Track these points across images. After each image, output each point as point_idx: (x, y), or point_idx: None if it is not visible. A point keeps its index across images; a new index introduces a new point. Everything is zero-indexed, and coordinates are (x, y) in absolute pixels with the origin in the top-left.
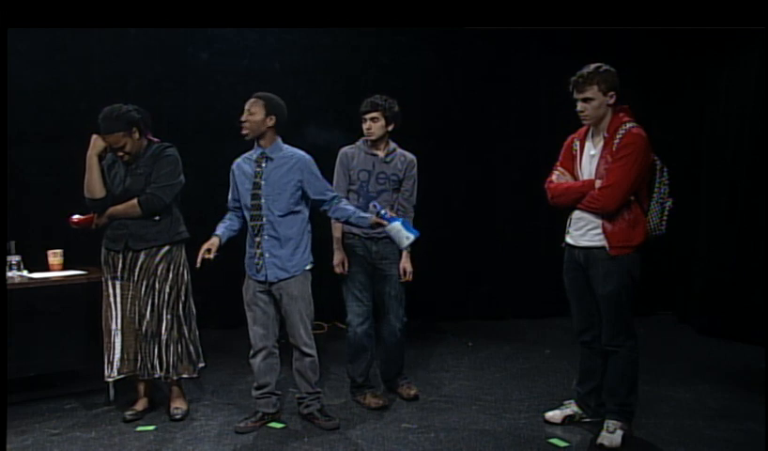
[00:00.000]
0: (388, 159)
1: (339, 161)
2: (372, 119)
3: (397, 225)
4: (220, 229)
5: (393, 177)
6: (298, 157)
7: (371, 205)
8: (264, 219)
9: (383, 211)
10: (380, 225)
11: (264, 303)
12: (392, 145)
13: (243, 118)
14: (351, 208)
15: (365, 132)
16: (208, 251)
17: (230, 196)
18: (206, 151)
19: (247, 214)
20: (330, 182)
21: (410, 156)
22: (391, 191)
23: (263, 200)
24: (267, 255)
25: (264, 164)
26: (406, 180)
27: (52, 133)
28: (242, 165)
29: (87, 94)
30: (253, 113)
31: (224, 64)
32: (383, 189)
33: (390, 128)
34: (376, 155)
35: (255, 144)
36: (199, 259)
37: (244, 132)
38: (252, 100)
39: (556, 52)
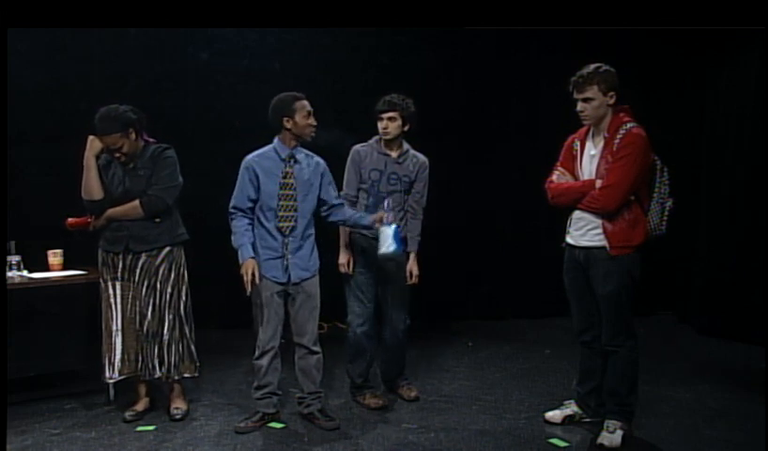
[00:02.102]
0: (400, 159)
1: (351, 158)
2: (389, 119)
3: (390, 230)
4: (250, 249)
5: (405, 178)
6: (317, 159)
7: (385, 201)
8: (296, 220)
9: (390, 213)
10: (380, 221)
11: (278, 305)
12: (406, 146)
13: (314, 123)
14: (350, 210)
15: (381, 131)
16: (253, 275)
17: (243, 196)
18: (206, 151)
19: (270, 215)
20: (338, 184)
21: (423, 158)
22: (401, 192)
23: (297, 201)
24: (290, 256)
25: (293, 165)
26: (417, 182)
27: (52, 133)
28: (263, 163)
29: (87, 94)
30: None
31: (224, 64)
32: (394, 190)
33: (406, 128)
34: (388, 155)
35: (279, 142)
36: (249, 287)
37: (313, 135)
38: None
39: (556, 52)
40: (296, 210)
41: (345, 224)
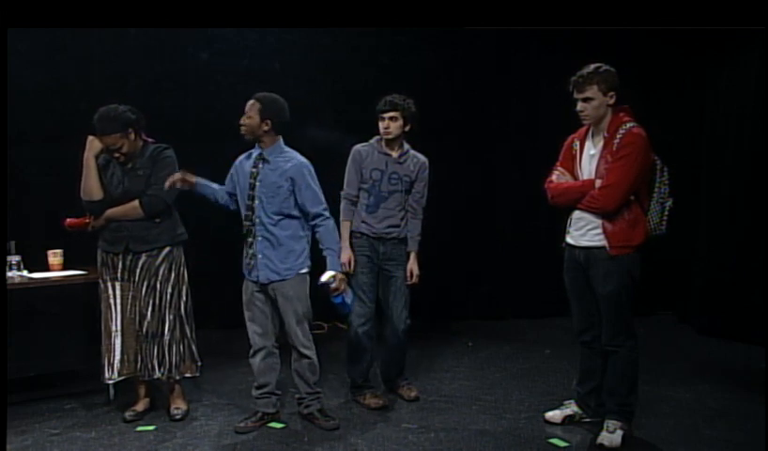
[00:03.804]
0: (401, 159)
1: (352, 158)
2: (391, 119)
3: (336, 301)
4: (203, 179)
5: (406, 178)
6: (294, 162)
7: (322, 280)
8: (257, 220)
9: (332, 285)
10: (327, 287)
11: (261, 303)
12: (406, 146)
13: (241, 121)
14: (330, 239)
15: (382, 131)
16: (182, 180)
17: (226, 183)
18: (206, 151)
19: (242, 213)
20: (325, 192)
21: (423, 158)
22: (402, 192)
23: (256, 202)
24: (260, 256)
25: (260, 166)
26: (417, 182)
27: (52, 133)
28: (243, 164)
29: (87, 94)
30: (250, 116)
31: (224, 64)
32: (395, 189)
33: (407, 128)
34: (389, 155)
35: (257, 144)
36: (173, 179)
37: (242, 133)
38: (250, 101)
39: (556, 52)
40: (253, 211)
41: (321, 247)
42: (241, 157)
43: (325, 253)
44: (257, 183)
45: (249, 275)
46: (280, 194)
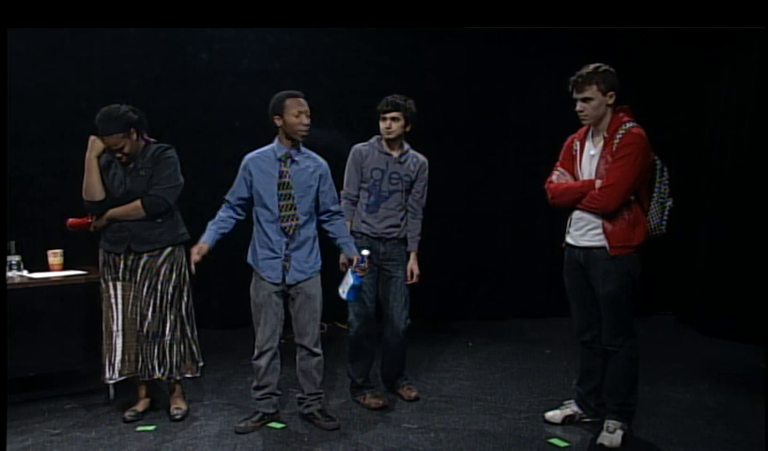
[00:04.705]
0: (402, 159)
1: (352, 157)
2: (392, 119)
3: (351, 279)
4: (208, 236)
5: (406, 178)
6: (319, 162)
7: (363, 253)
8: (297, 220)
9: (362, 264)
10: (347, 265)
11: (276, 305)
12: (406, 146)
13: (307, 122)
14: (346, 231)
15: (384, 131)
16: (197, 254)
17: (235, 192)
18: (206, 151)
19: (269, 215)
20: (338, 184)
21: (423, 158)
22: (402, 191)
23: (295, 201)
24: (290, 256)
25: (290, 165)
26: (417, 182)
27: (52, 133)
28: (260, 163)
29: (87, 94)
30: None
31: (224, 64)
32: (395, 189)
33: (407, 128)
34: (390, 155)
35: (277, 141)
36: (192, 267)
37: (306, 134)
38: (304, 99)
39: (556, 52)
40: (296, 210)
41: (333, 239)
42: (252, 157)
43: (345, 240)
44: (292, 183)
45: (276, 277)
46: (309, 194)
